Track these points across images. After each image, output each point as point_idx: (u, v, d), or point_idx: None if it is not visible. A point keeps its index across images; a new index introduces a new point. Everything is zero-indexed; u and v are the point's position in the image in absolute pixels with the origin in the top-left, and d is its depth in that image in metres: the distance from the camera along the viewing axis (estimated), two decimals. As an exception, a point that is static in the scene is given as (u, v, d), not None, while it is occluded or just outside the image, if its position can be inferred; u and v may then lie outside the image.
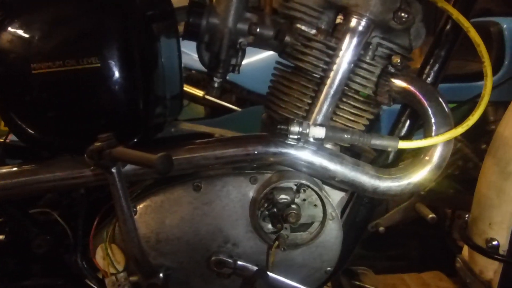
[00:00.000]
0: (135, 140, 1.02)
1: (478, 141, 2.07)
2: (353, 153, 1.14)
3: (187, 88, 2.31)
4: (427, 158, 1.04)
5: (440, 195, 2.09)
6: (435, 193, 2.06)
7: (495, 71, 1.92)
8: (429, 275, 1.81)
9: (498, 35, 1.93)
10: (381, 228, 2.08)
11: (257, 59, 2.13)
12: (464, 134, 1.05)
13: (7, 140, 1.15)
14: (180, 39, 1.15)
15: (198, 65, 2.13)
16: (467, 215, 1.38)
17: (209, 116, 2.52)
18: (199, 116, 2.62)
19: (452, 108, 1.96)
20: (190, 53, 1.13)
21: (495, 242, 1.25)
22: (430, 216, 1.99)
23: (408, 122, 1.13)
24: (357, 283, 1.76)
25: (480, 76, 1.92)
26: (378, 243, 2.15)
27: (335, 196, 1.11)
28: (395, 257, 2.22)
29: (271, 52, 1.94)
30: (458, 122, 1.04)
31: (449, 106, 1.04)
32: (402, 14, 1.01)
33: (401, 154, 1.13)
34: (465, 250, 1.42)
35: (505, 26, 1.93)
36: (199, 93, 2.34)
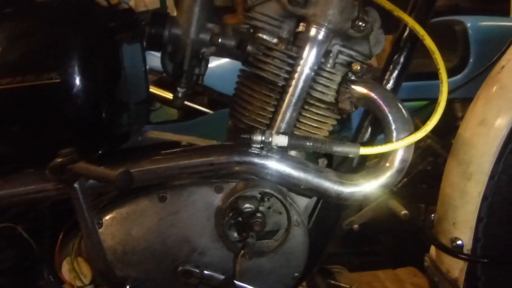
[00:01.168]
0: (100, 152, 1.03)
1: (447, 136, 2.11)
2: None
3: (159, 91, 2.31)
4: (388, 163, 1.06)
5: (413, 191, 2.12)
6: (408, 189, 2.09)
7: (460, 70, 1.95)
8: (404, 271, 1.84)
9: (463, 34, 1.96)
10: (355, 226, 2.11)
11: (227, 61, 2.13)
12: (433, 130, 1.08)
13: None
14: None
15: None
16: (432, 215, 1.41)
17: (181, 118, 2.51)
18: (172, 118, 2.61)
19: (422, 107, 2.00)
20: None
21: (459, 242, 1.27)
22: (403, 212, 2.01)
23: (370, 128, 1.15)
24: (332, 282, 1.78)
25: (449, 73, 1.97)
26: (353, 241, 2.18)
27: (301, 202, 1.13)
28: (369, 254, 2.25)
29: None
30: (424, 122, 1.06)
31: (408, 112, 1.06)
32: (360, 23, 1.02)
33: (364, 159, 1.15)
34: (433, 248, 1.45)
35: (469, 25, 1.96)
36: (170, 96, 2.34)
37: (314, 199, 1.16)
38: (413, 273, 1.86)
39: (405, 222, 2.05)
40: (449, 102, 1.68)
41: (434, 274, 1.41)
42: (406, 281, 1.89)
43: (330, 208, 1.19)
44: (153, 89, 2.26)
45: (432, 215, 1.41)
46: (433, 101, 1.66)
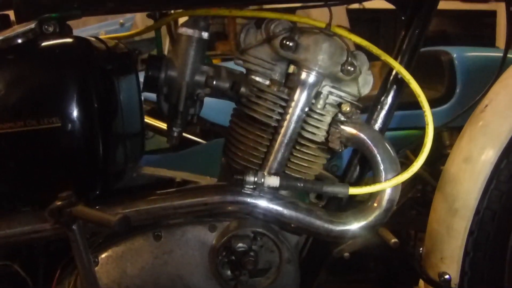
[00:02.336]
0: (97, 191, 1.05)
1: (435, 164, 2.14)
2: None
3: (152, 121, 2.33)
4: (376, 203, 1.10)
5: (403, 218, 2.15)
6: (398, 216, 2.11)
7: (447, 99, 1.99)
8: (394, 299, 1.85)
9: (449, 64, 2.00)
10: (346, 254, 2.12)
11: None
12: None
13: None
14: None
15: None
16: (421, 248, 1.44)
17: (174, 147, 2.54)
18: (164, 146, 2.63)
19: (411, 136, 2.02)
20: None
21: (447, 276, 1.30)
22: (393, 241, 2.02)
23: (358, 167, 1.19)
24: (324, 310, 1.79)
25: (436, 103, 2.00)
26: (343, 269, 2.18)
27: (292, 239, 1.16)
28: (360, 282, 2.26)
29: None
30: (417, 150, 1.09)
31: (395, 152, 1.10)
32: (349, 68, 1.07)
33: (353, 198, 1.19)
34: (421, 281, 1.48)
35: (455, 55, 2.01)
36: (164, 125, 2.36)
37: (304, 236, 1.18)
38: (403, 300, 1.88)
39: (395, 250, 2.07)
40: (437, 131, 1.71)
41: (423, 306, 1.43)
42: (396, 308, 1.90)
43: (320, 243, 1.22)
44: (146, 119, 2.29)
45: (421, 248, 1.44)
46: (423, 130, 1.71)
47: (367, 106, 1.19)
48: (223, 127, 2.27)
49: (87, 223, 0.96)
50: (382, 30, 4.93)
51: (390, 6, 1.24)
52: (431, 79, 2.15)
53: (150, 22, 1.25)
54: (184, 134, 2.38)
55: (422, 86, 2.08)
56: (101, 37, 1.21)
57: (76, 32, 1.12)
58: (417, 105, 1.95)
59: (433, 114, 2.00)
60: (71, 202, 0.91)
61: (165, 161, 2.24)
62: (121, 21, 2.73)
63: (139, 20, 2.98)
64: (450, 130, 2.02)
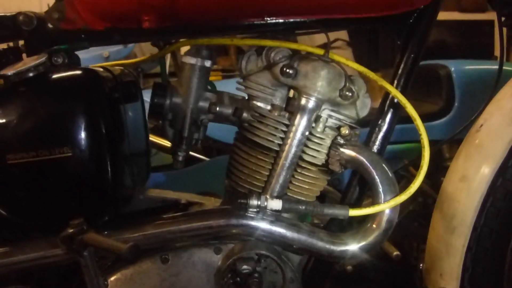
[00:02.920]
0: (106, 218, 1.09)
1: (436, 177, 2.17)
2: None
3: (155, 139, 2.37)
4: (374, 225, 1.13)
5: (405, 230, 2.17)
6: (400, 228, 2.14)
7: (445, 113, 2.02)
8: (397, 311, 1.87)
9: (447, 78, 2.03)
10: (349, 267, 2.15)
11: (223, 109, 2.22)
12: None
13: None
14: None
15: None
16: (421, 264, 1.47)
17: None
18: (167, 162, 2.66)
19: (411, 149, 2.04)
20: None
21: (447, 292, 1.33)
22: (395, 253, 2.05)
23: (357, 188, 1.22)
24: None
25: (434, 116, 2.02)
26: (346, 282, 2.21)
27: (295, 258, 1.19)
28: (365, 292, 2.28)
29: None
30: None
31: (393, 174, 1.14)
32: (347, 93, 1.10)
33: (353, 218, 1.22)
34: (423, 296, 1.51)
35: (453, 69, 2.04)
36: (167, 143, 2.40)
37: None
38: (406, 312, 1.90)
39: (397, 263, 2.09)
40: (436, 147, 1.73)
41: (425, 321, 1.46)
42: (400, 319, 1.92)
43: (321, 263, 1.25)
44: (150, 137, 2.33)
45: (421, 264, 1.47)
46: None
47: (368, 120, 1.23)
48: (226, 144, 2.30)
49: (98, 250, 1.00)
50: (381, 40, 4.97)
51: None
52: (429, 92, 2.18)
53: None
54: (187, 151, 2.41)
55: (420, 99, 2.11)
56: (106, 64, 1.25)
57: (81, 53, 1.17)
58: (409, 120, 1.99)
59: (432, 128, 2.04)
60: (82, 229, 0.95)
61: (169, 178, 2.27)
62: (106, 53, 2.81)
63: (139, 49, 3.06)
64: (450, 143, 2.05)
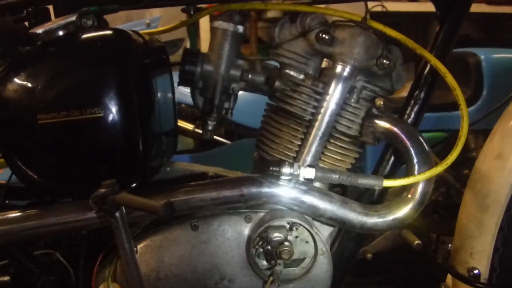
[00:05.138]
0: (134, 184, 1.08)
1: (460, 168, 2.14)
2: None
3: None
4: (410, 195, 1.11)
5: (425, 222, 2.15)
6: (420, 220, 2.12)
7: (473, 101, 1.99)
8: (416, 301, 1.85)
9: (476, 66, 2.00)
10: (369, 255, 2.13)
11: (245, 93, 2.20)
12: None
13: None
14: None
15: (188, 99, 2.19)
16: (449, 245, 1.44)
17: (198, 148, 2.56)
18: (188, 148, 2.66)
19: (440, 140, 2.03)
20: (178, 87, 1.19)
21: (476, 271, 1.30)
22: (416, 242, 2.03)
23: (391, 161, 1.20)
24: (346, 310, 1.80)
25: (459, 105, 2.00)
26: (366, 270, 2.19)
27: (325, 232, 1.17)
28: (382, 283, 2.26)
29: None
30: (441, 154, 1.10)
31: (429, 145, 1.11)
32: (384, 61, 1.08)
33: (385, 191, 1.20)
34: (449, 278, 1.48)
35: (482, 57, 2.00)
36: (189, 126, 2.40)
37: (336, 228, 1.19)
38: (426, 303, 1.88)
39: (418, 252, 2.07)
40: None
41: (450, 303, 1.44)
42: (419, 309, 1.90)
43: (351, 238, 1.23)
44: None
45: (449, 245, 1.45)
46: (447, 137, 1.71)
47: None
48: (248, 128, 2.29)
49: (130, 210, 0.98)
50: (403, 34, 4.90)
51: (411, 9, 1.26)
52: (457, 81, 2.16)
53: (176, 22, 1.27)
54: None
55: (448, 88, 2.09)
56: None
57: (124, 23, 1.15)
58: (438, 108, 1.97)
59: (459, 117, 2.01)
60: (115, 189, 0.94)
61: (191, 161, 2.26)
62: (148, 21, 2.75)
63: (165, 21, 3.01)
64: (476, 133, 2.02)
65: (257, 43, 3.86)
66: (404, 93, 1.25)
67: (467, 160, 2.15)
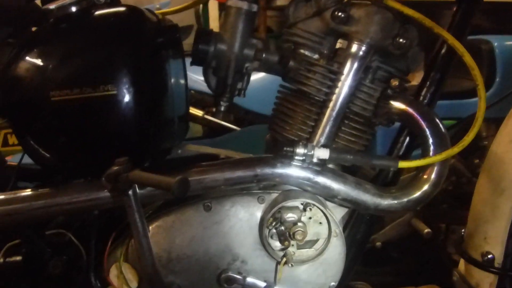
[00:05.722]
0: (146, 164, 1.07)
1: (471, 156, 2.12)
2: (349, 170, 1.18)
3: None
4: (425, 176, 1.09)
5: (435, 210, 2.14)
6: (430, 208, 2.11)
7: (486, 88, 1.97)
8: (426, 289, 1.84)
9: (489, 53, 1.99)
10: (378, 244, 2.12)
11: (255, 79, 2.18)
12: None
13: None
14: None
15: (197, 86, 2.18)
16: (463, 230, 1.43)
17: (207, 135, 2.56)
18: (197, 135, 2.65)
19: (448, 127, 2.02)
20: (189, 74, 1.18)
21: (490, 256, 1.29)
22: (426, 231, 2.03)
23: (406, 142, 1.18)
24: (355, 297, 1.79)
25: (472, 93, 1.98)
26: (375, 258, 2.19)
27: (337, 214, 1.16)
28: (392, 271, 2.25)
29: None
30: (452, 141, 1.09)
31: (445, 126, 1.09)
32: (400, 40, 1.06)
33: (399, 173, 1.18)
34: (462, 263, 1.47)
35: (496, 44, 1.99)
36: (199, 112, 2.39)
37: (349, 212, 1.18)
38: (435, 291, 1.86)
39: (427, 241, 2.06)
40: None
41: (463, 288, 1.43)
42: (428, 299, 1.89)
43: (364, 221, 1.22)
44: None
45: (462, 230, 1.43)
46: (457, 123, 1.69)
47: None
48: (257, 115, 2.28)
49: (143, 190, 0.97)
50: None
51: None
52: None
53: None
54: (218, 121, 2.40)
55: (461, 76, 2.07)
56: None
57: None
58: (449, 96, 1.95)
59: (470, 105, 1.99)
60: (128, 167, 0.93)
61: (201, 148, 2.25)
62: (158, 5, 2.75)
63: (175, 5, 3.00)
64: (487, 122, 2.01)
65: (266, 32, 3.83)
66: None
67: (478, 148, 2.14)
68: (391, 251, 2.24)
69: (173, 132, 1.15)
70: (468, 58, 1.04)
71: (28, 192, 1.06)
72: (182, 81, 1.20)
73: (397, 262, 2.28)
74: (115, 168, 0.92)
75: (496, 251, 1.29)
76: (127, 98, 0.98)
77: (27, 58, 0.99)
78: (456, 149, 1.06)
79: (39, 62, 0.99)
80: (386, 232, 2.13)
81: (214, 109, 2.48)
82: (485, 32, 2.18)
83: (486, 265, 1.30)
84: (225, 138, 2.29)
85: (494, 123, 2.08)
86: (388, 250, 2.22)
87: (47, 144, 1.03)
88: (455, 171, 2.11)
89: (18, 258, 1.10)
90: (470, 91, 1.99)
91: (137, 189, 0.95)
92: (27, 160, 1.10)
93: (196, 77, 2.04)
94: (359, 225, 1.22)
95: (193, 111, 2.36)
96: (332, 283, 1.15)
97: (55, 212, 1.06)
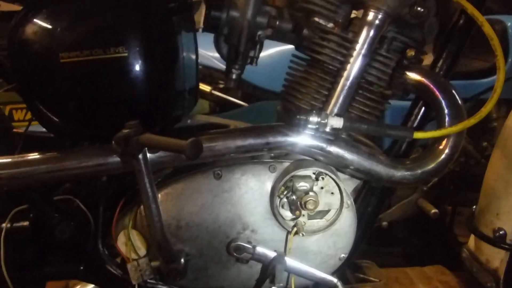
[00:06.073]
0: (155, 129, 1.05)
1: (480, 138, 2.11)
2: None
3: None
4: (440, 147, 1.07)
5: (442, 192, 2.12)
6: (437, 189, 2.10)
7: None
8: (432, 269, 1.84)
9: (502, 33, 1.96)
10: (384, 223, 2.12)
11: (263, 55, 2.16)
12: (467, 132, 1.08)
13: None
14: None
15: (205, 61, 2.15)
16: (474, 207, 1.42)
17: (215, 111, 2.54)
18: (204, 111, 2.63)
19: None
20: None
21: (502, 232, 1.28)
22: (433, 211, 2.02)
23: (420, 114, 1.16)
24: (361, 275, 1.79)
25: (483, 74, 1.96)
26: (381, 238, 2.18)
27: (348, 187, 1.14)
28: (398, 251, 2.25)
29: (277, 48, 1.95)
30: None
31: (462, 98, 1.07)
32: (418, 9, 1.04)
33: (413, 145, 1.16)
34: (471, 240, 1.46)
35: (509, 24, 1.96)
36: (206, 88, 2.37)
37: (360, 184, 1.16)
38: (441, 271, 1.86)
39: (433, 222, 2.05)
40: (484, 103, 1.68)
41: (472, 265, 1.42)
42: (434, 278, 1.88)
43: (375, 194, 1.20)
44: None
45: (474, 207, 1.42)
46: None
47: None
48: (265, 91, 2.26)
49: (153, 156, 0.96)
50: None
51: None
52: (482, 49, 2.11)
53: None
54: (226, 97, 2.38)
55: (471, 56, 2.04)
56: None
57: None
58: (458, 77, 1.92)
59: (482, 85, 1.97)
60: (138, 130, 0.91)
61: (207, 124, 2.24)
62: None
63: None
64: (498, 103, 1.98)
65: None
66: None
67: (487, 130, 2.12)
68: (398, 231, 2.23)
69: (183, 101, 1.13)
70: (487, 28, 1.02)
71: (36, 155, 1.04)
72: (193, 52, 1.18)
73: (403, 243, 2.28)
74: (126, 131, 0.91)
75: (508, 227, 1.28)
76: (138, 60, 0.96)
77: (35, 19, 0.97)
78: (472, 121, 1.04)
79: (48, 23, 0.96)
80: (392, 212, 2.13)
81: (221, 85, 2.47)
82: (496, 14, 2.15)
83: (497, 241, 1.29)
84: (233, 113, 2.27)
85: (504, 104, 2.05)
86: (395, 231, 2.21)
87: (56, 108, 1.02)
88: (464, 152, 2.09)
89: (26, 223, 1.09)
90: (483, 71, 1.96)
91: (147, 153, 0.93)
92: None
93: (204, 52, 2.02)
94: (370, 198, 1.21)
95: (201, 86, 2.34)
96: (342, 255, 1.14)
97: (63, 176, 1.04)
